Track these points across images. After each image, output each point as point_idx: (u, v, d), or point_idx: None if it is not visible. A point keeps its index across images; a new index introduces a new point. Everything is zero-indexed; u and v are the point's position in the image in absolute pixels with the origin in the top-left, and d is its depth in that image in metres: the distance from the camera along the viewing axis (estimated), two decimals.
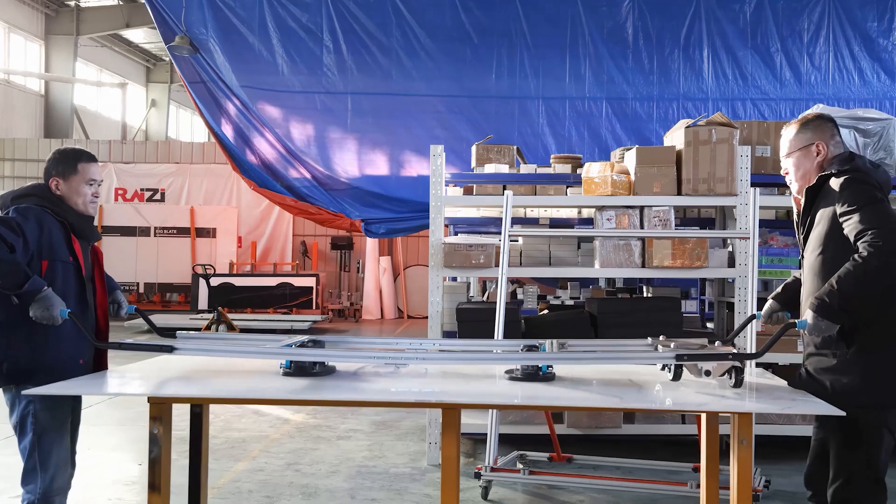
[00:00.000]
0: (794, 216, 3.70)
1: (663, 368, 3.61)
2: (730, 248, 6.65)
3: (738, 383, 3.30)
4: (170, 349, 3.53)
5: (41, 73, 24.48)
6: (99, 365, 3.87)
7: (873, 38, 10.42)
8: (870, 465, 3.25)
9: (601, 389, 3.40)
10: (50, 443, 3.63)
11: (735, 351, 3.46)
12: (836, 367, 3.30)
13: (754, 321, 4.51)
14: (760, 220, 5.98)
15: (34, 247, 3.55)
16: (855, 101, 10.28)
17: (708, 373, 3.34)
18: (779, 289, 3.81)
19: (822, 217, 3.38)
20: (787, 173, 3.59)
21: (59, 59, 24.83)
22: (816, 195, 3.43)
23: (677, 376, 3.36)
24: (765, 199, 5.88)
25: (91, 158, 3.86)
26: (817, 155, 3.48)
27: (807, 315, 3.24)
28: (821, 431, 3.50)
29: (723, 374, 3.35)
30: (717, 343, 3.65)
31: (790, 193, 3.70)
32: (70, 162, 3.79)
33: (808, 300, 3.39)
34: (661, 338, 3.74)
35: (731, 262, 6.42)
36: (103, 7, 24.85)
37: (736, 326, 6.14)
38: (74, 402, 3.86)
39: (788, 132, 3.58)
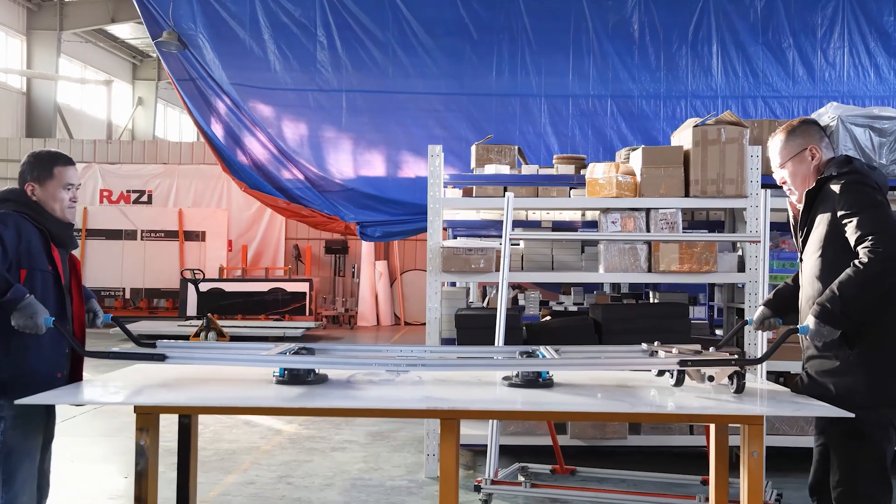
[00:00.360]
0: (790, 219, 3.82)
1: (660, 374, 3.65)
2: (739, 252, 6.68)
3: (740, 389, 3.35)
4: (161, 358, 3.55)
5: (22, 70, 24.50)
6: (74, 379, 3.85)
7: (890, 33, 10.45)
8: (876, 465, 3.32)
9: (605, 395, 3.42)
10: (17, 461, 3.60)
11: (737, 356, 3.51)
12: (839, 370, 3.37)
13: (746, 327, 4.58)
14: (771, 223, 6.00)
15: (13, 255, 3.55)
16: (871, 99, 10.32)
17: (711, 378, 3.39)
18: (770, 295, 3.93)
19: (821, 220, 3.48)
20: (784, 182, 3.69)
21: (42, 56, 24.85)
22: (815, 198, 3.52)
23: (679, 382, 3.39)
24: (776, 200, 5.89)
25: (68, 162, 3.85)
26: (812, 159, 3.59)
27: (809, 321, 3.32)
28: (821, 438, 3.56)
29: (721, 381, 3.41)
30: (710, 349, 3.70)
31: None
32: (46, 166, 3.78)
33: (807, 304, 3.49)
34: (655, 343, 3.79)
35: (741, 267, 6.44)
36: (87, 1, 24.87)
37: (744, 335, 6.19)
38: (48, 419, 3.82)
39: (776, 143, 3.67)
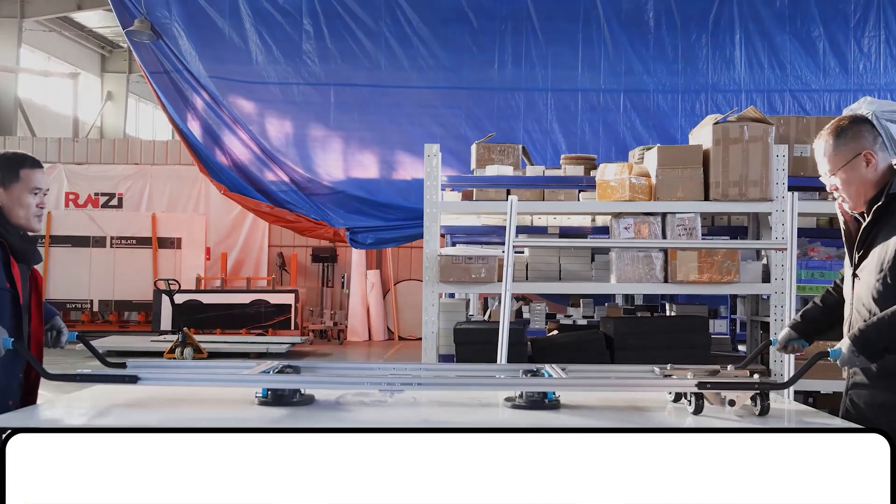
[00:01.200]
0: (841, 225, 3.66)
1: (677, 400, 3.63)
2: (764, 261, 6.69)
3: (765, 410, 3.33)
4: (133, 379, 3.54)
5: None
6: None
7: None
8: None
9: (617, 418, 3.42)
10: None
11: (761, 377, 3.49)
12: None
13: (770, 347, 4.54)
14: (799, 229, 6.02)
15: None
16: None
17: (732, 403, 3.37)
18: (797, 317, 3.85)
19: (888, 237, 3.33)
20: (835, 189, 3.51)
21: (1, 46, 24.86)
22: (884, 213, 3.37)
23: (699, 409, 3.38)
24: (804, 204, 5.91)
25: (35, 164, 3.83)
26: (867, 165, 3.42)
27: (843, 344, 3.24)
28: None
29: (744, 403, 3.41)
30: (728, 367, 3.68)
31: (834, 199, 3.67)
32: (11, 168, 3.76)
33: (850, 325, 3.40)
34: (669, 366, 3.77)
35: (766, 277, 6.45)
36: None
37: (769, 352, 6.19)
38: None
39: (825, 147, 3.49)
